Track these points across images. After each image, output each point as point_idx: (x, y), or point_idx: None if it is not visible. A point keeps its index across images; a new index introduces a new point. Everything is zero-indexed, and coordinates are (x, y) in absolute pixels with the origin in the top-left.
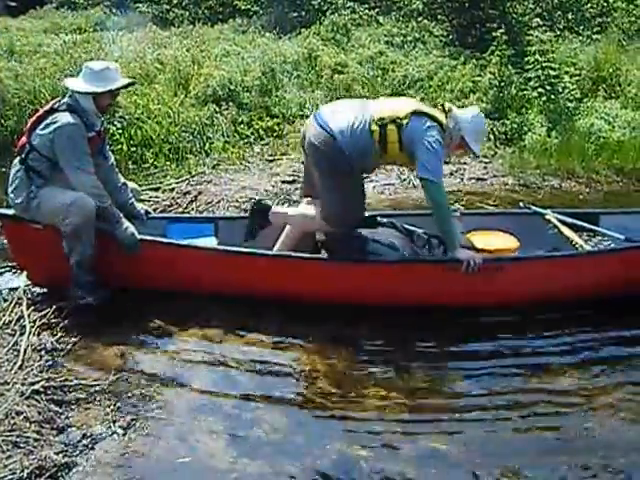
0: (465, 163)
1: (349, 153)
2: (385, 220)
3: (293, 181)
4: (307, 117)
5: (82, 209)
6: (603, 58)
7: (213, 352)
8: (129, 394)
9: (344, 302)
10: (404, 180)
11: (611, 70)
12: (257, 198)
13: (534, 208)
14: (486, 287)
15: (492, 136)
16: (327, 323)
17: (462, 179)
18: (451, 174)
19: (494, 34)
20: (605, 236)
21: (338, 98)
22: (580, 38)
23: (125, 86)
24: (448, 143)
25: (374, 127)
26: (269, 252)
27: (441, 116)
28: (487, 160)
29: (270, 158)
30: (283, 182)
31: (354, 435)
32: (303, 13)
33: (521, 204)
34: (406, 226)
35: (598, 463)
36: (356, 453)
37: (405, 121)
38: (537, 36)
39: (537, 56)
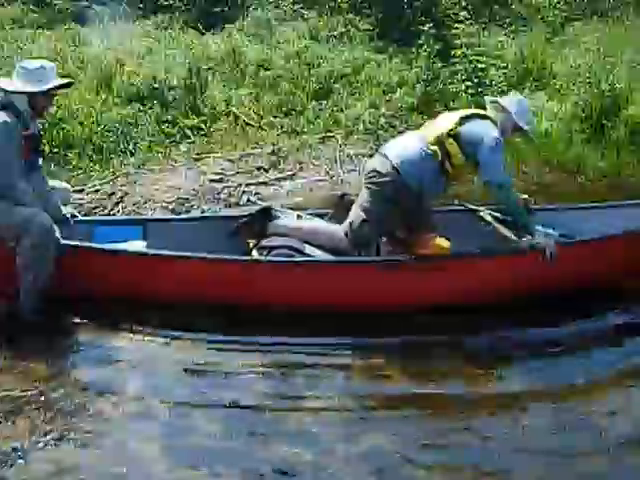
0: None
1: (414, 186)
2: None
3: (220, 180)
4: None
5: (41, 227)
6: (529, 51)
7: (146, 358)
8: (60, 404)
9: (280, 303)
10: (332, 177)
11: (537, 62)
12: (264, 205)
13: (469, 205)
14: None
15: None
16: (264, 326)
17: None
18: None
19: (421, 27)
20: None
21: (264, 95)
22: (506, 31)
23: (61, 86)
24: (502, 133)
25: (433, 148)
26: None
27: (487, 112)
28: None
29: (196, 157)
30: (211, 181)
31: (293, 438)
32: (226, 8)
33: (456, 201)
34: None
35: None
36: (296, 456)
37: (459, 128)
38: (463, 29)
39: (464, 49)
